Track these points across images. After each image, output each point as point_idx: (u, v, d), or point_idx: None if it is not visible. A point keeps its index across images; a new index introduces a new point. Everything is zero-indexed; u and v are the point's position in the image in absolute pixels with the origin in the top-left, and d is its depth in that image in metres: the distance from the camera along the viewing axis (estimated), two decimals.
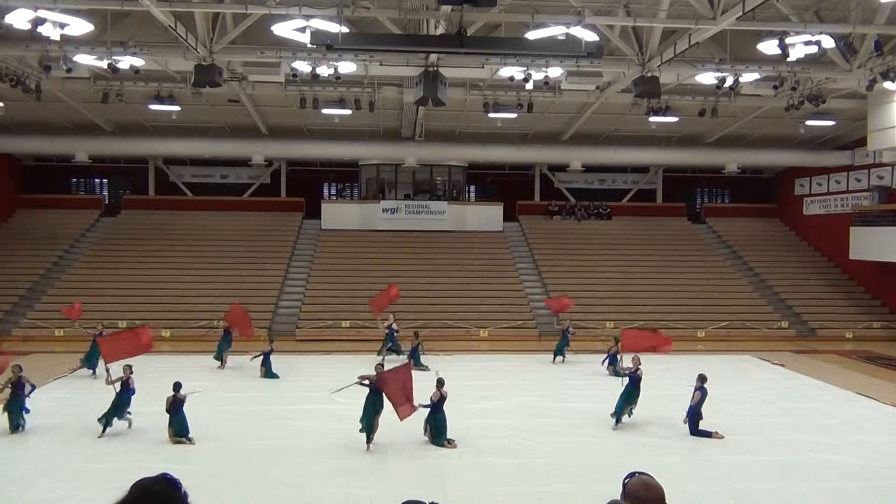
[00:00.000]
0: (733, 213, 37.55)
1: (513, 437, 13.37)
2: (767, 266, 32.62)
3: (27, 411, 13.61)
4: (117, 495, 2.29)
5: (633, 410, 14.48)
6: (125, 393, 13.42)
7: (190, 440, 12.84)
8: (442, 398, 13.00)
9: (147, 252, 30.81)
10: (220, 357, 20.07)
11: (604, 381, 18.82)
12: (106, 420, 13.17)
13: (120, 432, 13.30)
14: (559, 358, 21.58)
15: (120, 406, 13.35)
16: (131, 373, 13.58)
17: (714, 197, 40.40)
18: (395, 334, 21.89)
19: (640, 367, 14.49)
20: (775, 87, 22.62)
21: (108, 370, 13.71)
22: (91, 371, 18.62)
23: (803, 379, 19.78)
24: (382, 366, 13.35)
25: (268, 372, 18.94)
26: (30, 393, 13.67)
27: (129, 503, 2.22)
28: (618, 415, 14.24)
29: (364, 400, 12.82)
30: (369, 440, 12.57)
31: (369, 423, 12.60)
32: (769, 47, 17.93)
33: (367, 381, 12.91)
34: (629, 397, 14.37)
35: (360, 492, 10.47)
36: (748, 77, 21.51)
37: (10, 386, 13.50)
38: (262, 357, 19.04)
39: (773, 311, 29.11)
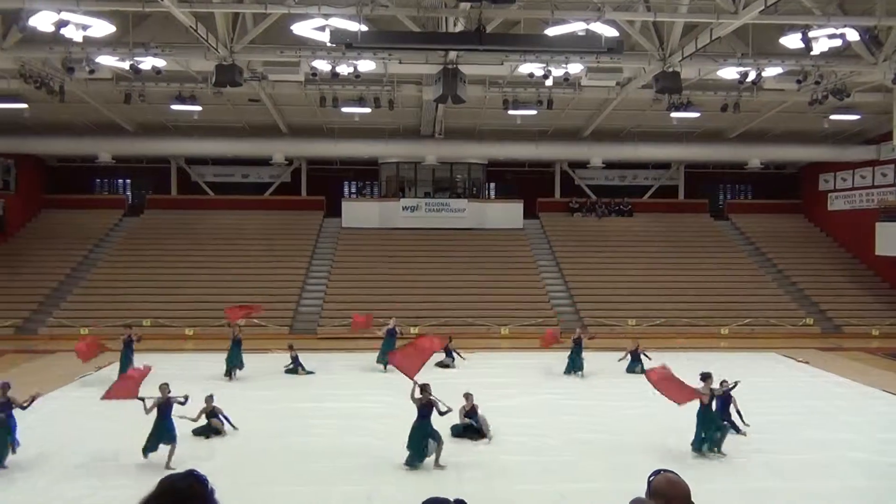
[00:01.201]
0: (756, 210, 37.16)
1: (534, 435, 13.32)
2: (792, 262, 32.27)
3: (15, 443, 11.53)
4: (143, 492, 2.30)
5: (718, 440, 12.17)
6: (165, 419, 11.62)
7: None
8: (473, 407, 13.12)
9: (170, 251, 31.12)
10: (229, 371, 18.82)
11: (625, 379, 18.71)
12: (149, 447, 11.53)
13: (142, 433, 13.38)
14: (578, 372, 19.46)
15: (162, 432, 11.57)
16: (169, 391, 11.88)
17: (737, 193, 40.05)
18: (395, 336, 20.31)
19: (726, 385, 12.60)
20: (799, 82, 22.34)
21: (143, 399, 11.78)
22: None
23: (828, 376, 19.54)
24: (427, 386, 11.81)
25: (303, 369, 19.37)
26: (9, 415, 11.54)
27: (157, 499, 2.23)
28: (715, 444, 12.13)
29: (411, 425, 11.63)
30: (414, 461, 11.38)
31: (419, 450, 11.35)
32: (792, 41, 17.72)
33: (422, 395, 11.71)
34: (714, 422, 12.25)
35: (382, 489, 10.49)
36: (771, 71, 21.28)
37: None
38: (294, 364, 19.42)
39: (798, 308, 28.79)
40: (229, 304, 21.99)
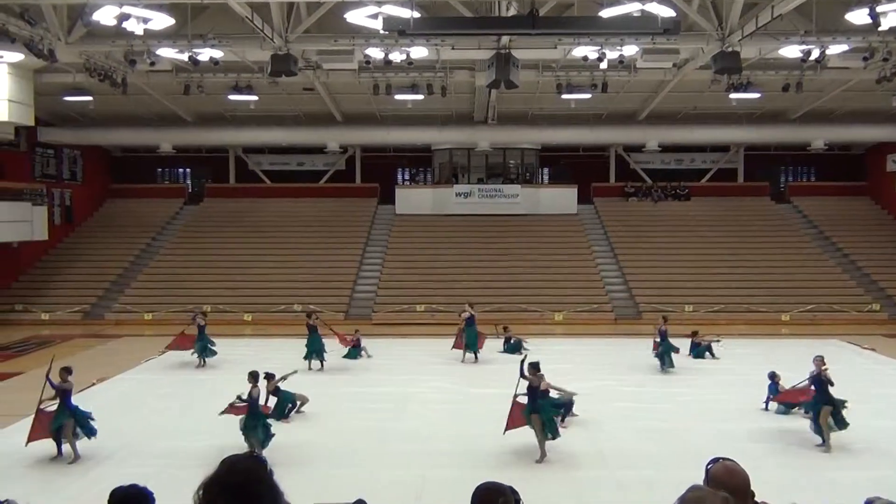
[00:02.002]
0: (820, 192, 35.98)
1: (590, 422, 13.25)
2: (857, 246, 31.20)
3: (92, 431, 11.42)
4: (205, 472, 2.37)
5: (836, 423, 11.69)
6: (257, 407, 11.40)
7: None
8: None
9: (228, 238, 31.81)
10: (309, 357, 18.38)
11: (682, 364, 18.44)
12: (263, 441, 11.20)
13: (205, 415, 13.74)
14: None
15: (256, 425, 11.23)
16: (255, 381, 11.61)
17: (799, 175, 38.83)
18: (474, 323, 19.48)
19: (823, 367, 12.01)
20: (865, 59, 21.45)
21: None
22: (201, 362, 18.69)
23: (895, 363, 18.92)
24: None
25: (365, 352, 19.61)
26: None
27: (218, 478, 2.29)
28: (821, 433, 11.76)
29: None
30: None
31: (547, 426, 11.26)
32: (859, 17, 17.03)
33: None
34: (819, 406, 11.78)
35: (435, 473, 10.57)
36: (835, 49, 20.50)
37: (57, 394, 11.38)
38: (354, 348, 19.57)
39: (864, 294, 27.86)
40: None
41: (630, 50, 20.45)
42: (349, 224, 33.42)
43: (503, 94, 26.84)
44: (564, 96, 26.05)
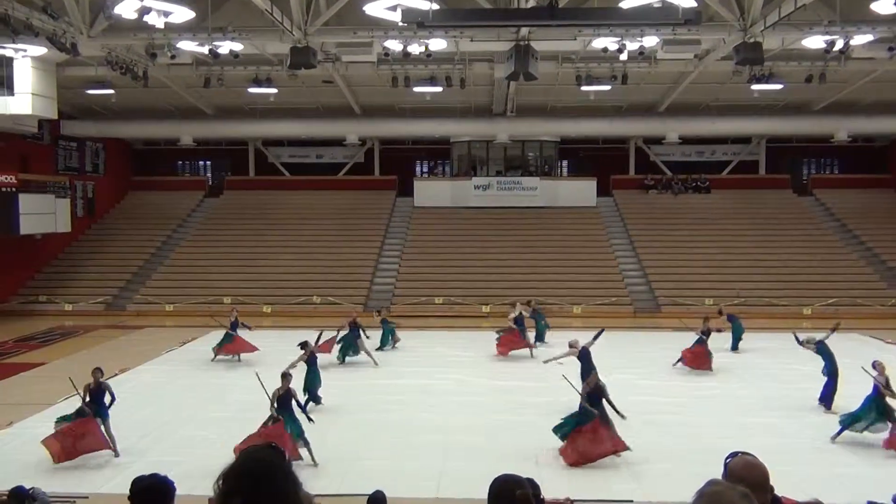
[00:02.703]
0: (843, 184, 35.47)
1: (609, 415, 13.20)
2: (881, 240, 30.78)
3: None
4: (225, 462, 2.39)
5: (867, 427, 11.59)
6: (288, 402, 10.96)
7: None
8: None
9: (248, 231, 31.98)
10: (343, 357, 18.14)
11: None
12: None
13: (225, 405, 13.87)
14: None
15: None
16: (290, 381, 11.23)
17: (822, 168, 38.35)
18: (523, 324, 19.52)
19: (885, 373, 11.81)
20: (891, 49, 21.16)
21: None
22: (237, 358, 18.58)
23: None
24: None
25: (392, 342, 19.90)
26: (110, 404, 11.26)
27: (236, 469, 2.31)
28: (844, 425, 11.80)
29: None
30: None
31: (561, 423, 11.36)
32: (884, 6, 16.80)
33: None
34: (866, 411, 11.65)
35: (455, 465, 10.61)
36: (860, 39, 20.18)
37: (88, 394, 11.18)
38: (385, 333, 19.73)
39: (888, 288, 27.51)
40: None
41: (650, 41, 20.26)
42: (368, 216, 33.49)
43: (522, 86, 26.71)
44: (584, 88, 25.88)
